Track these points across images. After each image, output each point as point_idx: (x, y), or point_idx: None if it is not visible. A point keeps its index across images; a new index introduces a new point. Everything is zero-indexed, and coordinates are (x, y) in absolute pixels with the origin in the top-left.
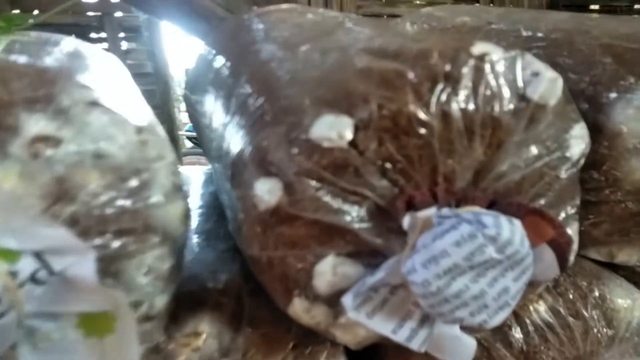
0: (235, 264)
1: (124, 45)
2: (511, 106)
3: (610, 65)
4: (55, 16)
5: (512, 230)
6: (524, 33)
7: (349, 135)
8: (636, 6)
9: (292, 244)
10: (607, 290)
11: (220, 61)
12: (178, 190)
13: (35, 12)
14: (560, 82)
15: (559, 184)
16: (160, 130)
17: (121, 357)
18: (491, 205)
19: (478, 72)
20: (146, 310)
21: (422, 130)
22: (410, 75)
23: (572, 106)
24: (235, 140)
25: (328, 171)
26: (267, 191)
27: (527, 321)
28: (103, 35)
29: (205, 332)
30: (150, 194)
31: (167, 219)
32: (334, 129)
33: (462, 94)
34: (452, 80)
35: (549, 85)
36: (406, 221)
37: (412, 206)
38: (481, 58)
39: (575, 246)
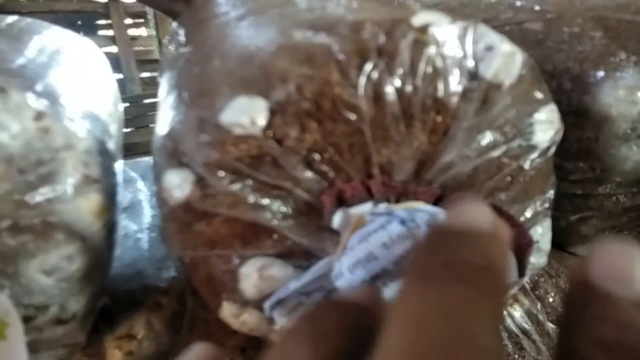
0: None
1: (131, 31)
2: (459, 86)
3: (599, 39)
4: (60, 3)
5: None
6: (517, 4)
7: (262, 120)
8: None
9: (212, 244)
10: None
11: (179, 37)
12: (91, 182)
13: None
14: (519, 58)
15: (523, 175)
16: (80, 117)
17: None
18: (438, 201)
19: (418, 47)
20: (56, 314)
21: (350, 115)
22: (336, 50)
23: (539, 86)
24: (158, 126)
25: (243, 162)
26: (177, 185)
27: (500, 327)
28: (109, 22)
29: (140, 334)
30: (54, 187)
31: (75, 214)
32: (246, 113)
33: (399, 72)
34: (387, 56)
35: (505, 61)
36: (337, 218)
37: (343, 202)
38: (423, 30)
39: (547, 245)
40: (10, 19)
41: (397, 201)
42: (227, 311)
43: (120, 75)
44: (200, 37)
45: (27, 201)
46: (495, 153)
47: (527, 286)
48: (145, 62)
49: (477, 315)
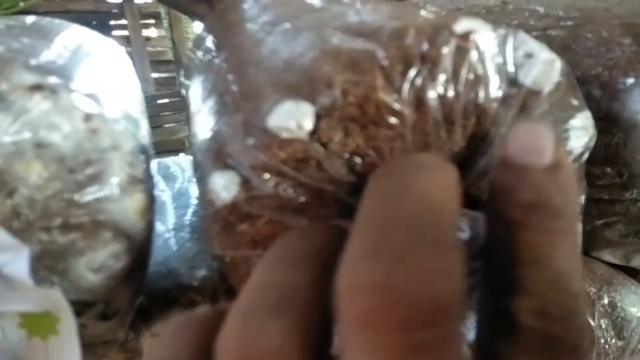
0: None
1: (145, 32)
2: (499, 92)
3: (629, 46)
4: (75, 3)
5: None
6: (540, 11)
7: (308, 124)
8: None
9: (254, 244)
10: (618, 297)
11: (208, 42)
12: (136, 182)
13: None
14: (558, 65)
15: None
16: (123, 119)
17: (64, 359)
18: (476, 205)
19: (460, 53)
20: (101, 310)
21: (393, 120)
22: (381, 56)
23: (574, 93)
24: (200, 129)
25: (288, 165)
26: (223, 186)
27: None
28: (124, 22)
29: None
30: (102, 186)
31: (121, 213)
32: (293, 118)
33: (441, 78)
34: (430, 63)
35: (544, 69)
36: None
37: None
38: (465, 37)
39: (577, 249)
40: (32, 17)
41: None
42: None
43: None
44: (234, 42)
45: (76, 200)
46: None
47: None
48: (159, 63)
49: (568, 255)
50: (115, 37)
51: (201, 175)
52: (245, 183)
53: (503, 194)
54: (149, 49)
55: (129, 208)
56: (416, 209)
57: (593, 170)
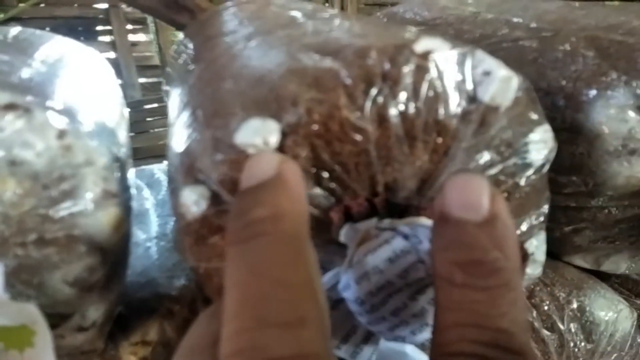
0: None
1: (131, 37)
2: (459, 109)
3: (592, 59)
4: (61, 9)
5: None
6: (513, 21)
7: (274, 141)
8: None
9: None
10: (587, 301)
11: (188, 51)
12: (110, 196)
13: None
14: (515, 82)
15: (519, 192)
16: (98, 134)
17: None
18: None
19: (420, 72)
20: (78, 322)
21: (357, 136)
22: (344, 75)
23: (534, 107)
24: (174, 142)
25: None
26: (193, 201)
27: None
28: (109, 28)
29: (154, 341)
30: (76, 201)
31: (95, 227)
32: (259, 135)
33: (402, 96)
34: (391, 81)
35: (501, 85)
36: (343, 233)
37: (350, 217)
38: (424, 56)
39: (542, 257)
40: (14, 30)
41: (401, 216)
42: None
43: (120, 81)
44: (210, 55)
45: (51, 215)
46: (493, 171)
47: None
48: (145, 68)
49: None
50: (101, 43)
51: (173, 188)
52: (215, 197)
53: (440, 250)
54: (135, 54)
55: (103, 222)
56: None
57: (559, 178)
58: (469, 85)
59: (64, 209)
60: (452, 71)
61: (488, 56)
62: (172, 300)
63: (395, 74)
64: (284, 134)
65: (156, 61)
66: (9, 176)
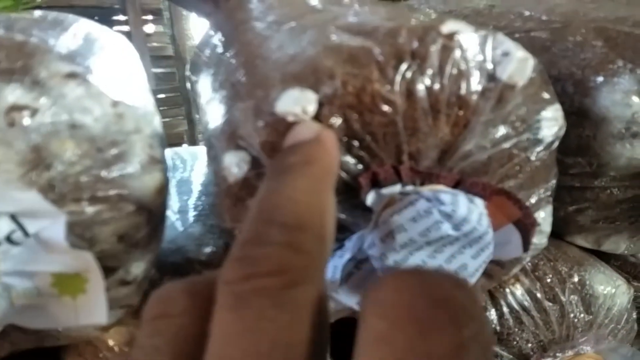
0: (220, 239)
1: (146, 28)
2: (479, 86)
3: (600, 48)
4: None
5: (469, 208)
6: (525, 14)
7: (311, 110)
8: None
9: None
10: (587, 276)
11: (215, 39)
12: (155, 162)
13: None
14: (531, 63)
15: (530, 166)
16: (142, 106)
17: (91, 316)
18: (457, 185)
19: (446, 51)
20: (122, 276)
21: (386, 108)
22: (377, 52)
23: (546, 88)
24: (213, 116)
25: None
26: (235, 164)
27: (503, 303)
28: (125, 18)
29: None
30: (126, 165)
31: (142, 189)
32: (298, 104)
33: (429, 72)
34: (419, 59)
35: (518, 66)
36: (370, 197)
37: (376, 183)
38: (450, 37)
39: (548, 228)
40: (40, 12)
41: (422, 184)
42: None
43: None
44: (243, 38)
45: (104, 176)
46: (507, 145)
47: (528, 268)
48: (159, 58)
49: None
50: (117, 33)
51: (215, 155)
52: (255, 161)
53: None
54: (150, 44)
55: (149, 184)
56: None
57: (566, 160)
58: (489, 65)
59: (115, 171)
60: (474, 51)
61: (507, 39)
62: (201, 264)
63: (423, 52)
64: (321, 104)
65: (170, 52)
66: (69, 138)
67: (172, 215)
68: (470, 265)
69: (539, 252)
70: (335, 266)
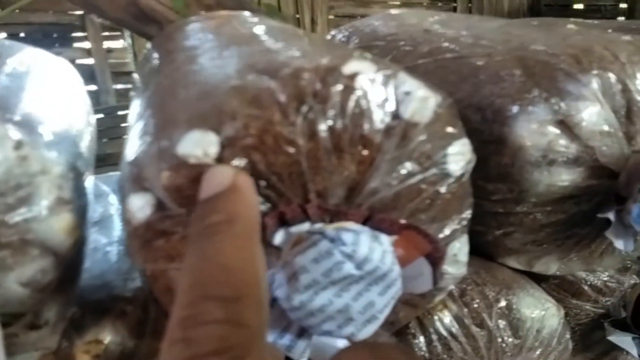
0: None
1: (106, 44)
2: (382, 125)
3: (519, 77)
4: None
5: (372, 247)
6: (461, 39)
7: (213, 152)
8: (621, 5)
9: (170, 258)
10: (515, 300)
11: (151, 63)
12: (64, 203)
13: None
14: (432, 101)
15: (441, 199)
16: (58, 142)
17: None
18: (366, 221)
19: (347, 92)
20: (31, 320)
21: (289, 149)
22: (280, 94)
23: (453, 122)
24: (126, 151)
25: (196, 188)
26: (139, 207)
27: (431, 330)
28: (85, 34)
29: (107, 339)
30: (30, 208)
31: (49, 232)
32: (200, 146)
33: (330, 113)
34: (321, 100)
35: (419, 104)
36: (278, 237)
37: (285, 222)
38: (352, 77)
39: (464, 258)
40: None
41: (332, 221)
42: None
43: (95, 87)
44: (168, 69)
45: (6, 221)
46: (414, 180)
47: (456, 293)
48: (120, 74)
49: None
50: (77, 49)
51: (122, 196)
52: (159, 204)
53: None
54: (111, 60)
55: (56, 227)
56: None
57: (488, 186)
58: (392, 104)
59: (18, 215)
60: (376, 91)
61: (410, 77)
62: (125, 301)
63: (325, 93)
64: (223, 146)
65: (131, 67)
66: None
67: (107, 245)
68: (377, 302)
69: (459, 280)
70: None
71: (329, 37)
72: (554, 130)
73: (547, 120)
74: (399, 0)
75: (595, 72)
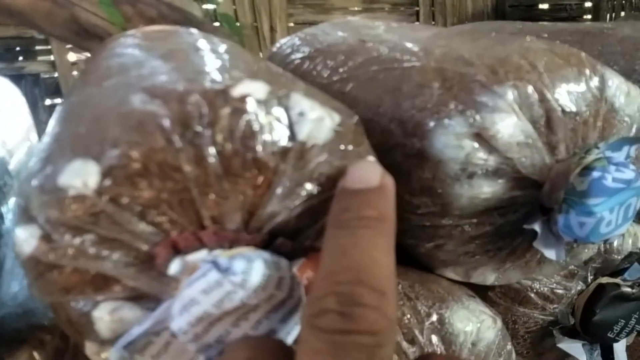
0: None
1: (70, 56)
2: (275, 147)
3: (436, 90)
4: None
5: (265, 275)
6: (398, 47)
7: (93, 182)
8: (587, 4)
9: (66, 290)
10: (447, 314)
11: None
12: None
13: None
14: (327, 122)
15: None
16: None
17: None
18: (268, 244)
19: (236, 115)
20: None
21: (176, 176)
22: (163, 119)
23: (358, 141)
24: (20, 179)
25: (81, 219)
26: (24, 239)
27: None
28: (49, 47)
29: None
30: None
31: None
32: (79, 176)
33: (219, 137)
34: (208, 124)
35: (314, 125)
36: (174, 266)
37: (179, 250)
38: (242, 100)
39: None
40: None
41: (231, 247)
42: (89, 349)
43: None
44: (77, 92)
45: None
46: (315, 201)
47: None
48: None
49: (376, 245)
50: (42, 62)
51: (13, 224)
52: (46, 236)
53: (334, 214)
54: (76, 73)
55: None
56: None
57: (414, 200)
58: (286, 125)
59: None
60: (269, 113)
61: (304, 98)
62: (44, 330)
63: (212, 117)
64: (104, 175)
65: None
66: None
67: None
68: (279, 329)
69: None
70: (132, 330)
71: (276, 46)
72: (471, 143)
73: (464, 134)
74: (360, 7)
75: (511, 82)
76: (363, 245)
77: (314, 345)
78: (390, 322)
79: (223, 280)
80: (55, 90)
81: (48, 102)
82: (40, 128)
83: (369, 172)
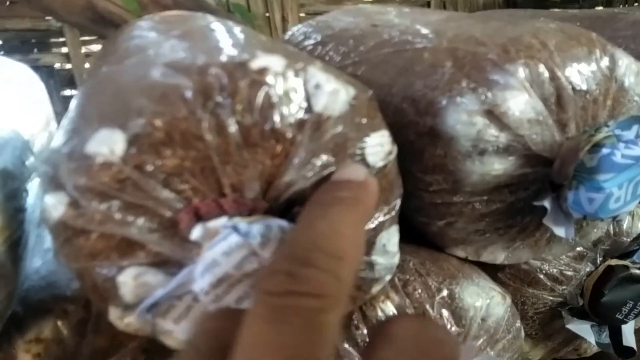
0: None
1: (85, 49)
2: (293, 118)
3: (449, 69)
4: (12, 21)
5: (282, 240)
6: (406, 31)
7: (119, 150)
8: None
9: (92, 256)
10: (457, 289)
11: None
12: None
13: None
14: (343, 94)
15: None
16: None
17: None
18: (284, 212)
19: (255, 87)
20: None
21: (198, 145)
22: (185, 90)
23: (371, 114)
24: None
25: (108, 185)
26: (53, 205)
27: (374, 321)
28: (63, 39)
29: (48, 338)
30: None
31: None
32: (106, 144)
33: (239, 108)
34: (228, 95)
35: (330, 97)
36: (195, 232)
37: (201, 217)
38: (260, 72)
39: (393, 248)
40: None
41: (250, 215)
42: (113, 314)
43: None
44: (98, 71)
45: None
46: (330, 171)
47: (398, 285)
48: None
49: (345, 220)
50: (56, 54)
51: (41, 195)
52: (73, 203)
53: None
54: (89, 65)
55: None
56: None
57: (426, 178)
58: (303, 97)
59: None
60: (287, 85)
61: (319, 71)
62: (67, 300)
63: (232, 89)
64: (130, 143)
65: None
66: None
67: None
68: None
69: (392, 270)
70: (155, 292)
71: (288, 34)
72: (482, 120)
73: (475, 111)
74: None
75: (522, 61)
76: (330, 218)
77: (255, 309)
78: (343, 286)
79: (243, 242)
80: (69, 82)
81: (63, 93)
82: (57, 119)
83: (355, 170)
